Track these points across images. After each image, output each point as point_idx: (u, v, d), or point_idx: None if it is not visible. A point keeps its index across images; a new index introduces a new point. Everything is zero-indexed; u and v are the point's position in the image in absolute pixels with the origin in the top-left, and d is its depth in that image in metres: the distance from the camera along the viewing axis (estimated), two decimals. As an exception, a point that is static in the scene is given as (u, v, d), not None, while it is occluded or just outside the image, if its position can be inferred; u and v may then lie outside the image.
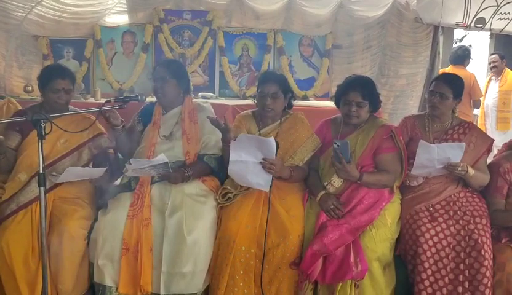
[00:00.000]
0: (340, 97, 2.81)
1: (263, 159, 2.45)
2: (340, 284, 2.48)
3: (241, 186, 2.68)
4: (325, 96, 5.43)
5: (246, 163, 2.49)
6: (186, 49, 5.23)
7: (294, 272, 2.55)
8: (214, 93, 5.23)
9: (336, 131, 2.83)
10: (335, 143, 2.53)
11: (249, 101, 4.76)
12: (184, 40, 5.27)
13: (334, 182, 2.68)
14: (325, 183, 2.70)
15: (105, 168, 2.65)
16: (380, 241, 2.56)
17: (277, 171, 2.50)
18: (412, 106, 5.42)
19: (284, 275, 2.54)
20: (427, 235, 2.55)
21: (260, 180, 2.51)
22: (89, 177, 2.63)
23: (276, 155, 2.49)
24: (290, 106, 2.93)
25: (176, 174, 2.62)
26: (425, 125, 2.93)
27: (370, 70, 5.31)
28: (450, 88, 2.81)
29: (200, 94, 4.99)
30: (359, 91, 2.69)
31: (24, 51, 5.00)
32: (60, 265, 2.48)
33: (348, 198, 2.64)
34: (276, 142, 2.50)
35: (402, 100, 5.42)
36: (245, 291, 2.51)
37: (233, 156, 2.47)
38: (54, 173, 2.53)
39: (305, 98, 5.30)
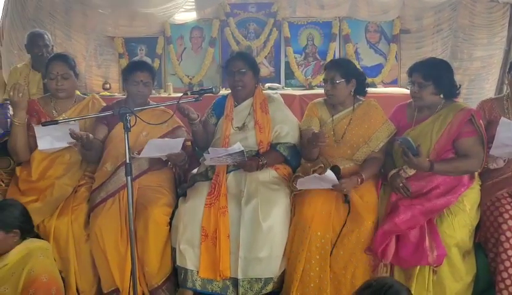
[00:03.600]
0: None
1: (333, 186, 2.53)
2: (418, 270, 2.47)
3: (313, 172, 2.72)
4: (393, 83, 5.30)
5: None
6: (251, 41, 5.30)
7: (369, 258, 2.56)
8: (280, 84, 5.27)
9: (411, 117, 2.79)
10: (397, 140, 2.54)
11: (315, 91, 4.83)
12: (249, 33, 5.34)
13: (407, 169, 2.64)
14: (398, 169, 2.68)
15: (183, 139, 2.74)
16: (458, 227, 2.51)
17: (348, 190, 2.56)
18: (488, 89, 5.14)
19: (358, 261, 2.56)
20: (510, 222, 2.47)
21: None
22: (169, 151, 2.68)
23: (339, 178, 2.54)
24: (362, 92, 2.90)
25: (251, 162, 2.71)
26: (504, 107, 2.82)
27: (441, 54, 5.09)
28: None
29: (267, 85, 5.04)
30: (421, 72, 2.66)
31: (102, 51, 5.29)
32: (145, 249, 2.65)
33: (424, 183, 2.60)
34: (337, 167, 2.55)
35: (478, 84, 5.16)
36: (321, 276, 2.56)
37: (300, 186, 2.57)
38: (135, 153, 2.65)
39: (372, 85, 5.19)
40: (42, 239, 2.58)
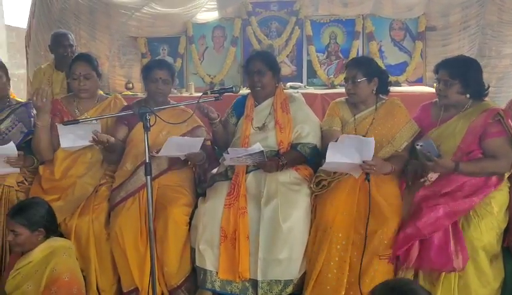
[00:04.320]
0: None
1: (363, 161, 2.41)
2: (444, 275, 2.40)
3: (334, 173, 2.68)
4: (418, 81, 5.20)
5: (341, 163, 2.48)
6: (273, 40, 5.28)
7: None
8: (302, 83, 5.23)
9: (437, 115, 2.72)
10: (417, 145, 2.45)
11: (338, 90, 4.77)
12: (271, 32, 5.32)
13: (431, 177, 2.56)
14: (422, 180, 2.58)
15: (202, 139, 2.73)
16: (486, 230, 2.43)
17: (377, 170, 2.46)
18: (517, 88, 5.00)
19: (379, 263, 2.49)
20: (540, 226, 2.37)
21: (354, 172, 2.52)
22: (188, 150, 2.67)
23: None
24: (384, 90, 2.84)
25: (271, 162, 2.68)
26: None
27: (468, 51, 4.96)
28: None
29: (289, 84, 5.01)
30: (448, 69, 2.59)
31: (125, 51, 5.37)
32: (165, 249, 2.65)
33: (448, 181, 2.52)
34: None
35: (506, 82, 5.00)
36: (339, 278, 2.51)
37: (329, 157, 2.43)
38: (154, 152, 2.63)
39: (397, 83, 5.10)
40: (66, 238, 2.60)
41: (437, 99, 2.76)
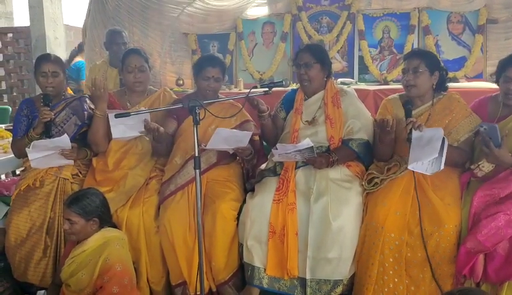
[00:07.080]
0: (500, 74, 2.53)
1: None
2: (507, 284, 2.23)
3: (388, 170, 2.57)
4: (478, 77, 4.92)
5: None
6: (324, 35, 5.17)
7: (450, 264, 2.36)
8: (353, 79, 5.09)
9: (495, 112, 2.57)
10: (481, 126, 2.31)
11: (391, 86, 4.60)
12: (322, 27, 5.21)
13: (483, 166, 2.40)
14: (473, 167, 2.44)
15: (251, 133, 2.70)
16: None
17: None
18: None
19: (437, 265, 2.37)
20: None
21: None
22: (235, 144, 2.65)
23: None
24: (443, 86, 2.69)
25: (321, 158, 2.61)
26: None
27: (533, 46, 4.67)
28: None
29: (339, 80, 4.88)
30: None
31: (176, 48, 5.43)
32: (213, 243, 2.64)
33: (507, 183, 2.35)
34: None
35: None
36: (396, 280, 2.41)
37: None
38: (203, 145, 2.63)
39: (454, 79, 4.86)
40: (119, 229, 2.65)
41: (495, 94, 2.62)
